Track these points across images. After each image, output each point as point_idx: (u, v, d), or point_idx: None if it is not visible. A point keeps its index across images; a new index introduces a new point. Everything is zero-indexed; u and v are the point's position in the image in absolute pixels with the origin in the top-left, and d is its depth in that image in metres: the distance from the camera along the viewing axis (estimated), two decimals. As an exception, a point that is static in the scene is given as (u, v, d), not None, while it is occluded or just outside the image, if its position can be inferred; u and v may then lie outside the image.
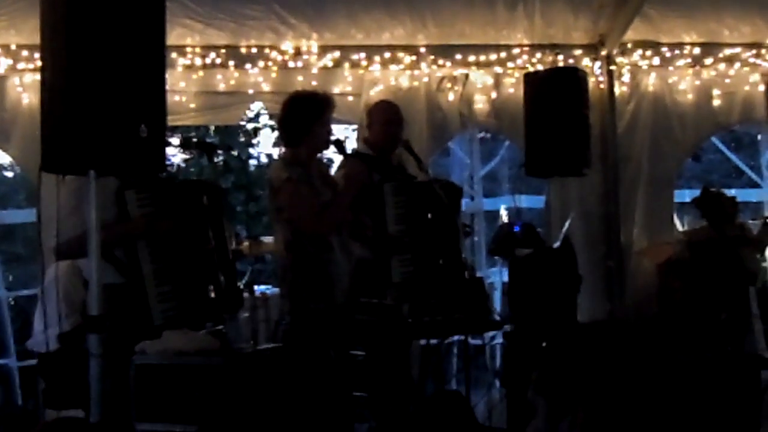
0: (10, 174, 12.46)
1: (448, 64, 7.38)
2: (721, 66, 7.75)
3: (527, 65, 7.40)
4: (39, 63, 4.00)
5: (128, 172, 4.11)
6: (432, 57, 7.32)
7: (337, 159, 5.38)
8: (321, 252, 5.03)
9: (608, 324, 6.96)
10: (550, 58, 7.42)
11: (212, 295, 4.80)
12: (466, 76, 7.42)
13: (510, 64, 7.46)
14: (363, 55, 7.22)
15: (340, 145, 5.28)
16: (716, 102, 7.82)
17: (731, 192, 7.60)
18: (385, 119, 5.97)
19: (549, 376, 5.41)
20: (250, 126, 13.55)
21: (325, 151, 5.68)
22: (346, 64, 7.23)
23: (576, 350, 5.37)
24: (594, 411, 4.68)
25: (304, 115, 5.11)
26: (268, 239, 6.07)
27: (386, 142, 5.94)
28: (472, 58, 7.39)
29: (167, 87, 4.04)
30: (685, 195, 8.19)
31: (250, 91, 7.22)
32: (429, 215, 5.82)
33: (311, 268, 5.02)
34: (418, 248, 5.74)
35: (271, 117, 10.96)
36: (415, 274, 5.69)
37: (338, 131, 5.40)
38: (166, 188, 4.79)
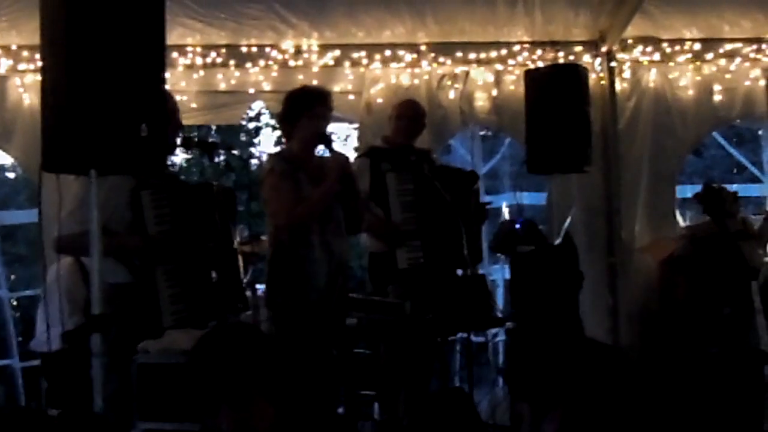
0: (11, 175, 12.48)
1: (449, 61, 7.38)
2: (722, 61, 7.73)
3: (528, 62, 7.40)
4: (40, 63, 3.98)
5: (129, 171, 4.10)
6: (432, 55, 7.32)
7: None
8: (299, 248, 4.96)
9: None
10: (551, 55, 7.41)
11: (217, 294, 4.77)
12: (467, 73, 7.42)
13: (511, 62, 7.46)
14: (364, 53, 7.22)
15: (325, 140, 5.10)
16: (717, 97, 7.80)
17: (733, 187, 7.56)
18: (397, 114, 6.10)
19: (527, 380, 5.41)
20: (251, 125, 13.58)
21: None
22: (347, 63, 7.23)
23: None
24: (575, 408, 4.67)
25: (295, 107, 5.11)
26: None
27: (398, 137, 6.01)
28: (472, 56, 7.38)
29: (168, 87, 4.04)
30: (686, 191, 8.17)
31: (251, 91, 7.23)
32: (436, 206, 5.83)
33: (287, 263, 4.96)
34: (426, 238, 5.74)
35: (272, 116, 10.98)
36: (423, 263, 5.69)
37: (340, 129, 5.34)
38: (180, 189, 4.74)
